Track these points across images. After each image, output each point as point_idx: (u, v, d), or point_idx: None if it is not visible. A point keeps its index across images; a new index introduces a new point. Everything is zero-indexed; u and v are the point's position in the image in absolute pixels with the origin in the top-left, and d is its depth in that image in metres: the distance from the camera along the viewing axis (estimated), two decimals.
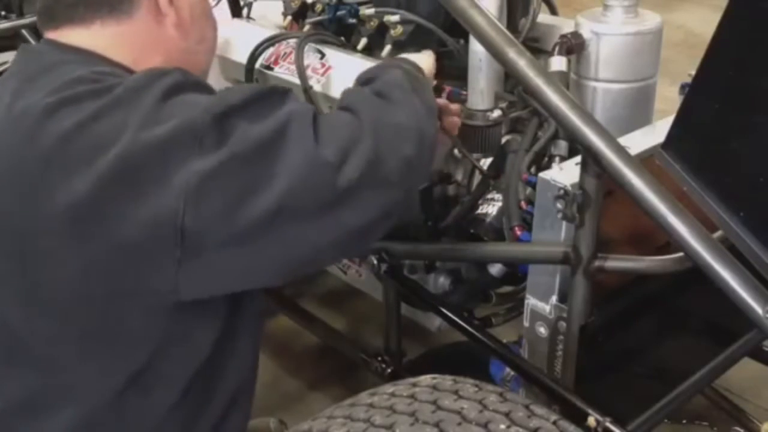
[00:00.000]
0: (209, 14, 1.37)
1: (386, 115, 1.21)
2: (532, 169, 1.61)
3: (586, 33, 1.66)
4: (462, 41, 1.88)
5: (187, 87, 1.13)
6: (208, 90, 1.17)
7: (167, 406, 1.19)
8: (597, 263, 1.36)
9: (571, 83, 1.72)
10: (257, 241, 1.08)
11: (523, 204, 1.57)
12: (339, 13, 2.03)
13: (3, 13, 2.70)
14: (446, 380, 1.17)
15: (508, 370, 1.68)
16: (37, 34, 2.57)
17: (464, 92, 1.83)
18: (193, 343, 1.18)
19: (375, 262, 1.76)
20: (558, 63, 1.63)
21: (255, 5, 2.30)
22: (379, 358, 1.88)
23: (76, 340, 1.15)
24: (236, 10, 2.27)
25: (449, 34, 1.89)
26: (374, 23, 1.94)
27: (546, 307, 1.51)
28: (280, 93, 1.15)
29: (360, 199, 1.13)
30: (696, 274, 1.18)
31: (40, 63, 1.20)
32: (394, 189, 1.18)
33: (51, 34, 1.24)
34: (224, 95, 1.12)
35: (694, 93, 1.17)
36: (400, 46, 1.91)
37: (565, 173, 1.43)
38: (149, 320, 1.13)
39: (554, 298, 1.49)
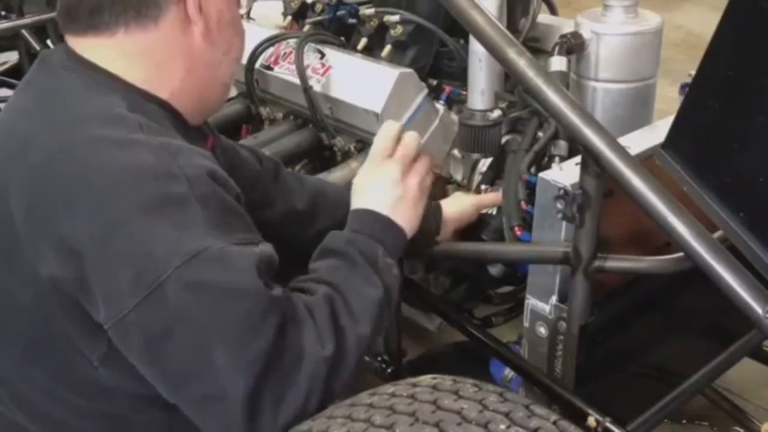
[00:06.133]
0: (237, 23, 1.28)
1: (338, 353, 1.09)
2: (532, 169, 1.61)
3: (586, 33, 1.66)
4: (462, 41, 1.88)
5: (190, 201, 1.04)
6: (213, 203, 1.07)
7: None
8: (597, 263, 1.36)
9: (571, 83, 1.72)
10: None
11: (523, 204, 1.57)
12: (339, 13, 2.03)
13: (3, 13, 2.70)
14: (446, 380, 1.17)
15: (508, 370, 1.68)
16: (38, 34, 2.59)
17: (464, 92, 1.83)
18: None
19: None
20: (558, 63, 1.63)
21: (255, 5, 2.30)
22: (379, 358, 1.87)
23: (44, 383, 1.15)
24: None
25: (449, 34, 1.89)
26: (374, 23, 1.94)
27: (546, 307, 1.51)
28: (263, 308, 1.03)
29: None
30: (696, 274, 1.18)
31: (55, 83, 1.17)
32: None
33: (72, 41, 1.19)
34: (212, 259, 1.01)
35: (694, 93, 1.17)
36: (400, 46, 1.91)
37: (565, 173, 1.43)
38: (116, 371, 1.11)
39: (554, 298, 1.49)
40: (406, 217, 1.29)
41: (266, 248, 1.09)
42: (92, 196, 1.04)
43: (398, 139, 1.34)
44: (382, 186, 1.30)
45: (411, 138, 1.35)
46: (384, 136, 1.35)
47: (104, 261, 1.02)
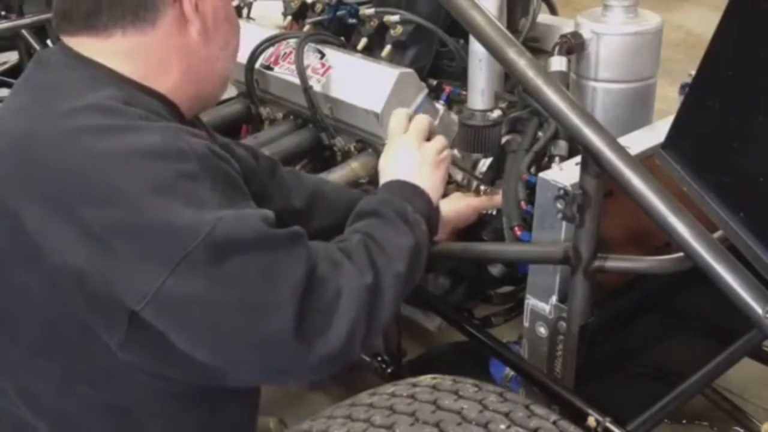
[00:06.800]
0: (232, 18, 1.29)
1: (377, 285, 1.15)
2: (532, 169, 1.61)
3: (586, 33, 1.66)
4: (462, 41, 1.88)
5: (200, 176, 1.07)
6: (220, 177, 1.11)
7: None
8: (597, 263, 1.36)
9: (571, 83, 1.72)
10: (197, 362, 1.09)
11: (523, 204, 1.57)
12: (339, 13, 2.03)
13: (3, 13, 2.70)
14: (446, 380, 1.17)
15: (508, 370, 1.68)
16: (38, 34, 2.59)
17: (464, 92, 1.83)
18: (181, 380, 1.16)
19: None
20: (558, 63, 1.63)
21: (255, 5, 2.30)
22: (379, 358, 1.88)
23: (53, 375, 1.15)
24: (236, 11, 2.27)
25: (449, 34, 1.89)
26: (374, 23, 1.94)
27: (546, 307, 1.51)
28: (288, 246, 1.09)
29: (323, 371, 1.11)
30: (696, 274, 1.18)
31: (51, 79, 1.17)
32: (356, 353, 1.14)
33: (67, 40, 1.19)
34: (231, 223, 1.05)
35: (694, 93, 1.17)
36: (400, 46, 1.91)
37: (565, 173, 1.43)
38: (120, 360, 1.12)
39: (554, 298, 1.49)
40: (428, 182, 1.39)
41: (267, 211, 1.13)
42: (106, 181, 1.04)
43: (410, 120, 1.46)
44: (401, 157, 1.41)
45: (422, 116, 1.48)
46: (396, 118, 1.47)
47: (128, 243, 1.03)
